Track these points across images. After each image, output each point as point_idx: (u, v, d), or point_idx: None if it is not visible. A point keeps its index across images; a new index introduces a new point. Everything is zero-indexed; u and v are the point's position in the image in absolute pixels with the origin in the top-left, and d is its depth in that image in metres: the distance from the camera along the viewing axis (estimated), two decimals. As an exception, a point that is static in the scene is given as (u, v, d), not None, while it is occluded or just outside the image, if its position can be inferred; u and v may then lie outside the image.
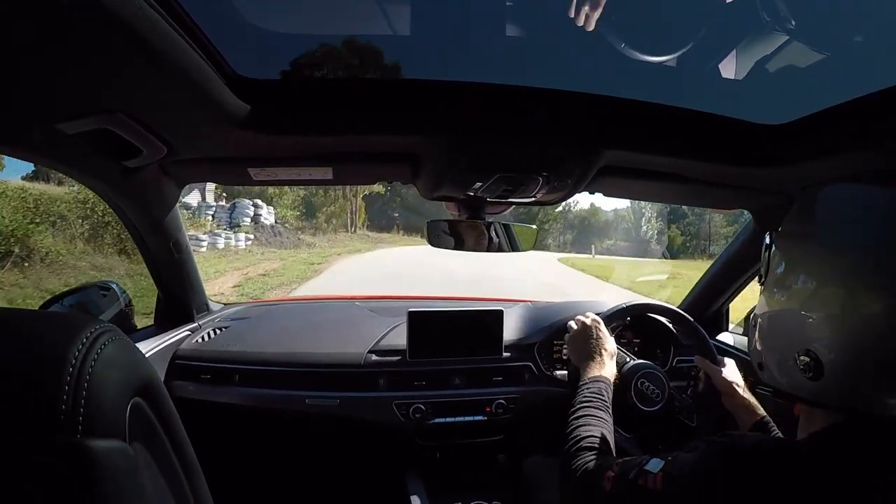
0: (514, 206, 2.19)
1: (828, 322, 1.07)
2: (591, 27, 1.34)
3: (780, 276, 1.22)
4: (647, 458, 1.28)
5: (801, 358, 1.10)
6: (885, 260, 1.02)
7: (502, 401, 2.61)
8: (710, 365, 2.16)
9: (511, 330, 2.76)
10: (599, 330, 2.06)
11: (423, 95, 1.50)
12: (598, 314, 2.25)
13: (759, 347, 1.29)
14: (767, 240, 1.31)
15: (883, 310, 1.01)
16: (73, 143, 1.38)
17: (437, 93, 1.50)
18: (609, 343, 2.02)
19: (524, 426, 2.70)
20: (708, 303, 2.95)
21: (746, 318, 2.86)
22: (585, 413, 1.67)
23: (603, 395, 1.74)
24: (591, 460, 1.45)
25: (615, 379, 1.90)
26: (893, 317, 1.00)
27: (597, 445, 1.53)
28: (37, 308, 1.98)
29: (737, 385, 2.01)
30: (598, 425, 1.61)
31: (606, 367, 1.91)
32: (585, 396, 1.73)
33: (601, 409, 1.68)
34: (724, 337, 2.89)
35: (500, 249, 2.20)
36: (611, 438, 1.58)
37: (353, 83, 1.46)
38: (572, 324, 2.13)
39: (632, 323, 2.75)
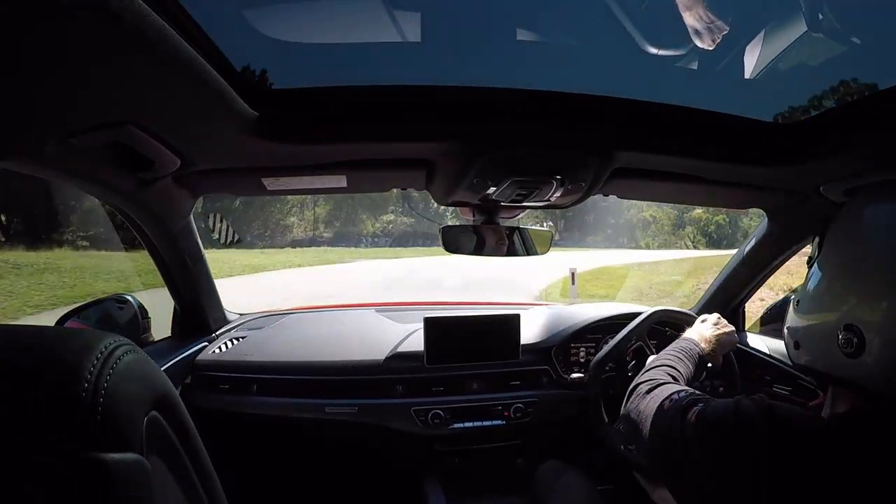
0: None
1: (875, 299, 1.07)
2: None
3: (830, 252, 1.22)
4: (707, 398, 1.34)
5: (843, 334, 1.10)
6: None
7: (520, 405, 2.61)
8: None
9: (528, 334, 2.76)
10: (719, 323, 2.14)
11: (436, 102, 1.50)
12: (635, 317, 2.40)
13: (797, 325, 1.30)
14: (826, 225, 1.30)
15: None
16: (86, 157, 1.39)
17: (450, 99, 1.49)
18: (723, 332, 2.09)
19: (543, 431, 2.70)
20: (723, 304, 2.93)
21: (762, 321, 2.85)
22: (673, 356, 1.82)
23: (693, 354, 1.87)
24: (666, 379, 1.60)
25: (706, 349, 1.97)
26: None
27: (675, 375, 1.68)
28: (54, 322, 1.98)
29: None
30: (681, 364, 1.77)
31: (701, 337, 2.01)
32: (679, 347, 1.89)
33: (686, 360, 1.81)
34: (753, 341, 2.86)
35: (515, 253, 2.19)
36: (685, 374, 1.73)
37: (366, 91, 1.45)
38: (704, 318, 2.21)
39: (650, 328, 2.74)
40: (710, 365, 2.13)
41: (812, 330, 1.23)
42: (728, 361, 2.62)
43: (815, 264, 1.26)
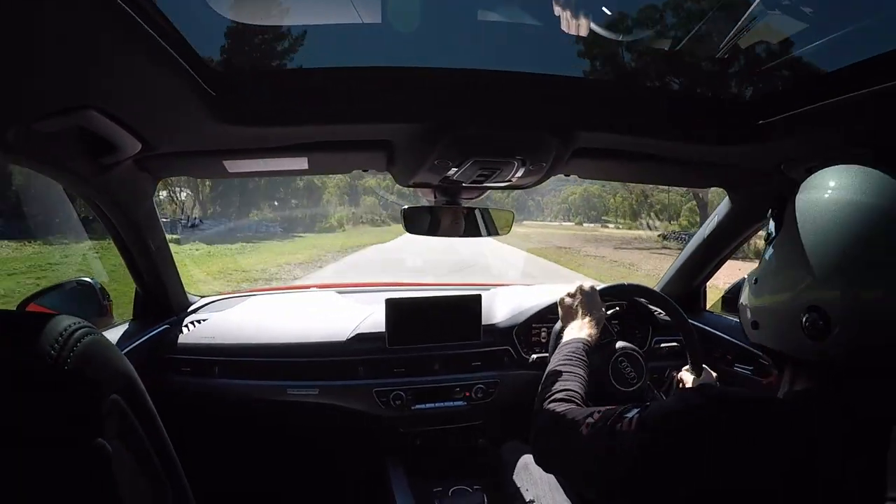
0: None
1: (838, 278, 1.07)
2: None
3: (789, 231, 1.20)
4: (629, 407, 1.30)
5: (807, 316, 1.11)
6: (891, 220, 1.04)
7: (482, 385, 2.63)
8: (687, 377, 2.21)
9: (490, 315, 2.77)
10: (593, 297, 2.07)
11: (396, 82, 1.50)
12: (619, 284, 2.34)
13: (756, 305, 1.29)
14: (779, 200, 1.28)
15: (892, 270, 1.03)
16: (47, 142, 1.37)
17: (410, 79, 1.50)
18: (598, 311, 2.03)
19: (504, 411, 2.72)
20: (685, 282, 2.98)
21: (723, 301, 2.89)
22: (562, 370, 1.70)
23: (581, 354, 1.77)
24: (570, 409, 1.48)
25: (594, 344, 1.90)
26: None
27: (574, 398, 1.56)
28: (15, 305, 1.96)
29: None
30: (574, 380, 1.65)
31: (588, 330, 1.92)
32: (564, 354, 1.77)
33: (578, 367, 1.71)
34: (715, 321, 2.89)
35: (477, 234, 2.21)
36: (583, 393, 1.61)
37: (325, 72, 1.46)
38: (570, 287, 2.13)
39: (614, 303, 2.76)
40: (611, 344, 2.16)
41: (772, 310, 1.23)
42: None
43: (773, 243, 1.26)
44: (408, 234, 2.19)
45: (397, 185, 2.17)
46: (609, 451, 1.25)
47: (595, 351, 1.94)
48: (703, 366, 2.21)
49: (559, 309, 2.09)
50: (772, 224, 1.28)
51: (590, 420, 1.34)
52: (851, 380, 1.11)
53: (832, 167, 1.19)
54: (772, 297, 1.23)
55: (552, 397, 1.58)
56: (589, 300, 2.05)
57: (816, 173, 1.20)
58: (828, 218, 1.10)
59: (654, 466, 1.16)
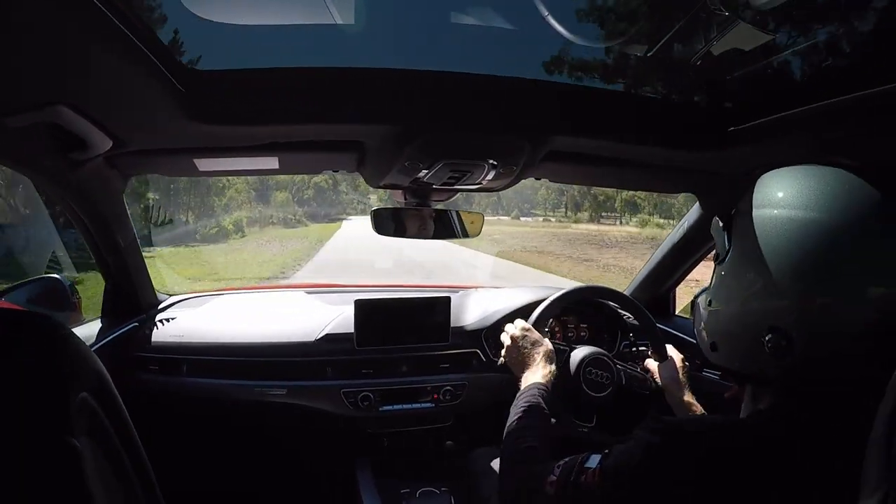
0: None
1: (793, 299, 1.07)
2: None
3: (738, 253, 1.21)
4: (588, 455, 1.28)
5: (768, 337, 1.10)
6: (839, 233, 1.04)
7: (450, 388, 2.64)
8: (652, 363, 2.24)
9: (459, 317, 2.77)
10: (529, 336, 2.05)
11: (368, 83, 1.51)
12: (544, 301, 2.29)
13: (712, 328, 1.28)
14: (724, 219, 1.29)
15: (846, 285, 1.03)
16: (16, 137, 1.37)
17: (382, 81, 1.51)
18: (542, 346, 2.01)
19: (473, 413, 2.73)
20: (654, 287, 3.00)
21: (693, 304, 2.91)
22: (520, 425, 1.67)
23: (538, 402, 1.73)
24: (532, 469, 1.44)
25: (553, 378, 1.88)
26: (862, 289, 1.03)
27: (535, 455, 1.52)
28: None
29: (678, 383, 2.06)
30: (533, 435, 1.60)
31: (541, 371, 1.90)
32: (521, 407, 1.73)
33: (537, 417, 1.68)
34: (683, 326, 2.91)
35: (446, 236, 2.22)
36: (547, 445, 1.57)
37: (296, 72, 1.46)
38: (504, 338, 2.12)
39: (578, 309, 2.78)
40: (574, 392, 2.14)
41: (731, 332, 1.22)
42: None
43: (724, 262, 1.26)
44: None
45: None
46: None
47: (563, 365, 2.01)
48: (667, 346, 2.24)
49: (505, 360, 2.08)
50: (721, 239, 1.28)
51: (552, 478, 1.31)
52: (816, 393, 1.11)
53: (774, 177, 1.19)
54: (729, 320, 1.22)
55: (514, 459, 1.56)
56: (527, 340, 2.04)
57: (759, 185, 1.20)
58: (776, 237, 1.10)
59: None
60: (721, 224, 1.28)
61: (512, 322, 2.18)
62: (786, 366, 1.09)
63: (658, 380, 2.18)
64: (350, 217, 51.73)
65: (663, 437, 1.13)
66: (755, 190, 1.20)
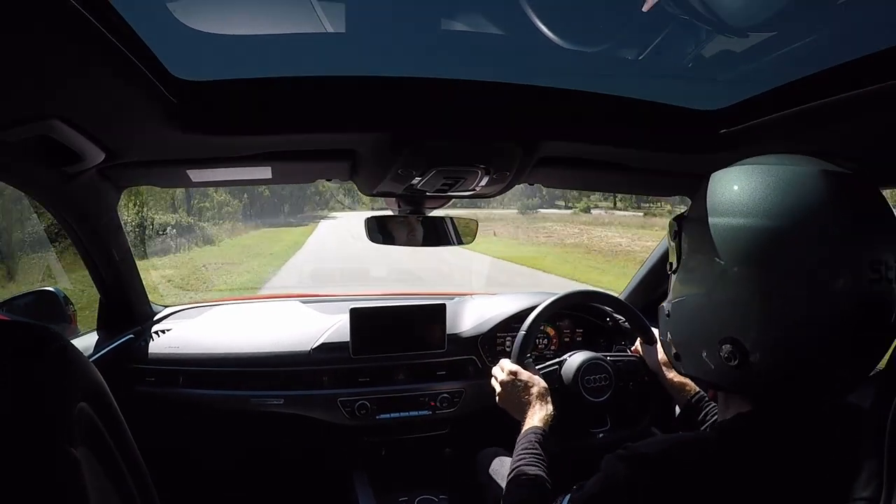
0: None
1: (745, 307, 1.07)
2: None
3: (690, 262, 1.21)
4: (561, 498, 1.30)
5: (724, 347, 1.10)
6: (787, 239, 1.02)
7: (446, 395, 2.65)
8: (642, 347, 2.25)
9: (454, 324, 2.78)
10: (517, 379, 2.02)
11: (359, 91, 1.51)
12: (537, 307, 2.28)
13: (673, 339, 1.30)
14: (675, 226, 1.28)
15: (797, 290, 1.02)
16: (9, 151, 1.37)
17: (373, 88, 1.51)
18: (534, 387, 1.98)
19: (470, 419, 2.73)
20: (649, 290, 3.01)
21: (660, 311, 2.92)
22: (517, 473, 1.67)
23: (534, 448, 1.73)
24: None
25: (551, 416, 1.88)
26: (811, 296, 1.01)
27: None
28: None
29: (667, 365, 2.07)
30: (527, 484, 1.62)
31: (538, 413, 1.88)
32: (519, 454, 1.73)
33: (532, 465, 1.68)
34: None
35: (440, 243, 2.22)
36: (541, 489, 1.59)
37: (288, 81, 1.46)
38: (495, 384, 2.11)
39: (571, 314, 2.78)
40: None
41: (690, 343, 1.23)
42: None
43: (677, 272, 1.27)
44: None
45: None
46: None
47: (559, 378, 2.06)
48: (653, 330, 2.23)
49: (501, 405, 2.06)
50: (673, 246, 1.28)
51: None
52: (779, 399, 1.12)
53: (722, 178, 1.18)
54: (688, 331, 1.24)
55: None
56: (516, 384, 2.01)
57: (709, 187, 1.20)
58: (723, 245, 1.09)
59: None
60: (675, 230, 1.28)
61: (506, 329, 2.18)
62: (744, 374, 1.10)
63: (649, 364, 2.20)
64: (333, 215, 45.69)
65: (627, 465, 1.13)
66: (705, 193, 1.20)
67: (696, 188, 2.28)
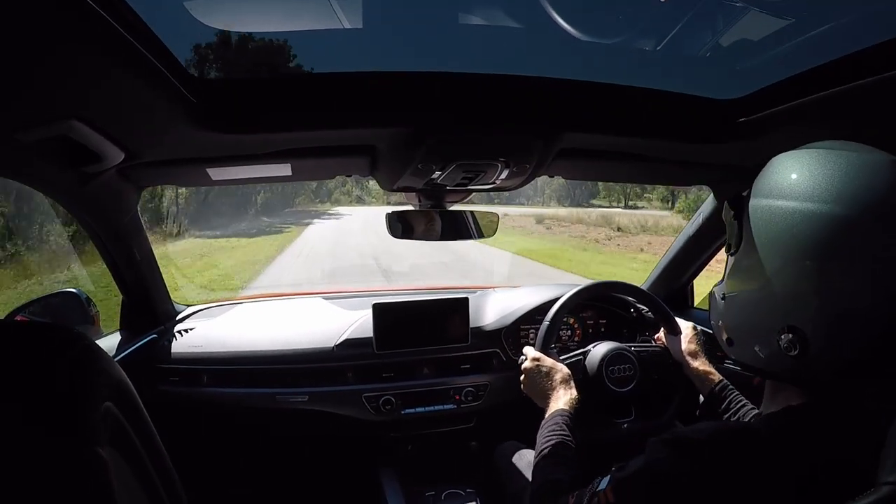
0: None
1: (806, 296, 1.04)
2: None
3: (748, 246, 1.17)
4: (598, 479, 1.27)
5: (784, 336, 1.07)
6: (854, 226, 1.00)
7: (471, 388, 2.64)
8: (665, 337, 2.24)
9: (477, 317, 2.77)
10: (541, 365, 2.02)
11: (378, 87, 1.51)
12: (559, 299, 2.28)
13: (726, 323, 1.26)
14: (733, 208, 1.24)
15: (862, 280, 1.00)
16: (27, 152, 1.37)
17: (392, 84, 1.50)
18: (557, 373, 1.99)
19: (495, 413, 2.73)
20: (671, 280, 3.00)
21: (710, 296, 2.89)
22: (545, 457, 1.67)
23: (562, 429, 1.73)
24: (554, 502, 1.43)
25: (576, 400, 1.88)
26: (876, 286, 0.99)
27: (558, 487, 1.51)
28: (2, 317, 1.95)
29: (691, 354, 2.07)
30: (557, 466, 1.61)
31: (562, 397, 1.89)
32: (545, 437, 1.73)
33: (560, 444, 1.68)
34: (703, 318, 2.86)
35: (461, 237, 2.21)
36: (573, 471, 1.57)
37: (308, 78, 1.46)
38: (522, 373, 2.10)
39: (595, 304, 2.78)
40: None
41: (745, 327, 1.20)
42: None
43: (736, 256, 1.23)
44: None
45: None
46: None
47: (583, 369, 2.05)
48: (677, 320, 2.24)
49: (526, 392, 2.05)
50: (731, 228, 1.25)
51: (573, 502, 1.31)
52: (832, 390, 1.10)
53: (785, 161, 1.15)
54: (743, 317, 1.21)
55: (539, 492, 1.57)
56: (541, 370, 2.02)
57: (770, 169, 1.17)
58: (786, 230, 1.07)
59: None
60: (732, 212, 1.24)
61: (529, 321, 2.17)
62: (801, 364, 1.07)
63: (673, 354, 2.19)
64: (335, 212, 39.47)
65: (673, 450, 1.12)
66: (766, 175, 1.17)
67: (715, 177, 2.27)
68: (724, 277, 1.30)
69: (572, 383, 1.95)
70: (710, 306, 1.37)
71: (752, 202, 1.17)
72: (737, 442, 1.09)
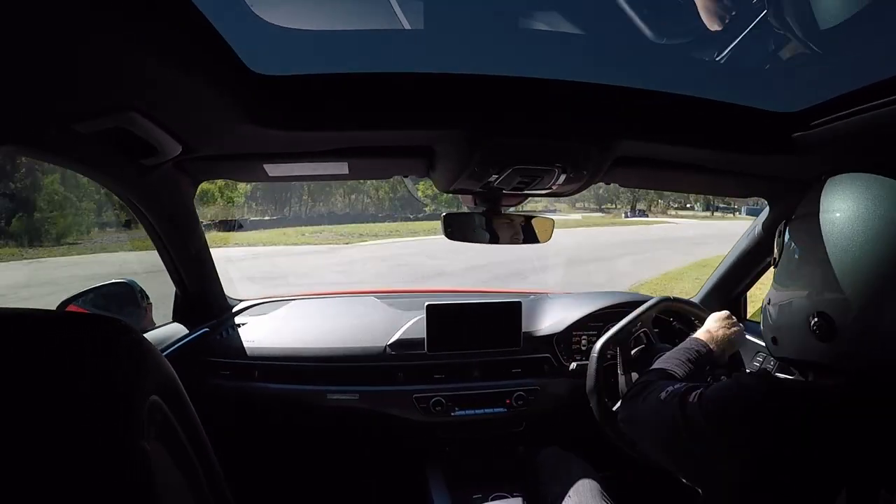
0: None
1: (849, 292, 1.12)
2: None
3: (793, 260, 1.29)
4: (698, 384, 1.42)
5: (814, 321, 1.17)
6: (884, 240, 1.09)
7: (522, 393, 2.63)
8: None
9: (530, 322, 2.77)
10: (729, 322, 2.08)
11: (438, 89, 1.50)
12: (638, 305, 2.36)
13: (771, 324, 1.36)
14: (781, 227, 1.38)
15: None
16: (87, 143, 1.39)
17: (452, 86, 1.49)
18: (726, 333, 2.03)
19: (544, 418, 2.72)
20: (725, 291, 2.95)
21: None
22: (669, 356, 1.86)
23: (691, 351, 1.87)
24: (656, 383, 1.61)
25: (707, 351, 1.93)
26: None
27: (666, 374, 1.74)
28: (55, 306, 1.97)
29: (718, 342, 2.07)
30: (672, 364, 1.80)
31: (711, 338, 1.97)
32: (678, 348, 1.91)
33: (684, 362, 1.81)
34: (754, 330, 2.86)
35: (517, 241, 2.19)
36: (684, 372, 1.76)
37: (368, 78, 1.45)
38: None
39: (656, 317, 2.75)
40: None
41: (784, 322, 1.29)
42: (735, 359, 2.62)
43: (778, 271, 1.36)
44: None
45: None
46: (676, 420, 1.35)
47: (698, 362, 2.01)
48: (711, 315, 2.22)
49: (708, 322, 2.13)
50: (780, 241, 1.38)
51: (664, 395, 1.46)
52: (869, 377, 1.17)
53: (839, 183, 1.23)
54: (783, 312, 1.30)
55: (654, 371, 1.77)
56: (732, 327, 2.06)
57: (825, 190, 1.25)
58: (837, 237, 1.16)
59: (707, 440, 1.26)
60: (784, 229, 1.37)
61: (582, 328, 2.21)
62: (831, 349, 1.16)
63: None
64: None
65: (767, 386, 1.23)
66: (821, 194, 1.25)
67: (772, 190, 2.24)
68: (771, 287, 1.41)
69: (729, 351, 2.05)
70: (763, 313, 1.45)
71: (803, 215, 1.29)
72: (826, 398, 1.19)
